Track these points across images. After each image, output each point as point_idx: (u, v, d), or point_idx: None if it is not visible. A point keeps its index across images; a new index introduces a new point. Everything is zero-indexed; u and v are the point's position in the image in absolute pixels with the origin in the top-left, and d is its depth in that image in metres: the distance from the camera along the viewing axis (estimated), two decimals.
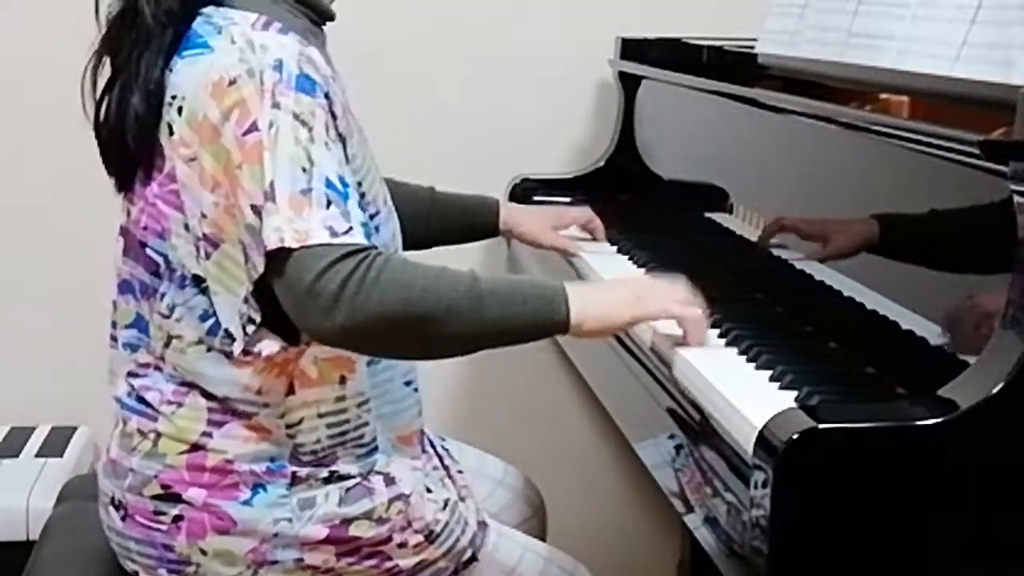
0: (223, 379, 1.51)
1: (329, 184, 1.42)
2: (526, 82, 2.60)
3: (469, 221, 2.03)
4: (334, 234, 1.40)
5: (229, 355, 1.50)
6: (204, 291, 1.49)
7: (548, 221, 2.10)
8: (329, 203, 1.41)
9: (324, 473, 1.54)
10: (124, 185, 1.54)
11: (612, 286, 1.63)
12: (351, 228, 1.41)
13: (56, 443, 2.44)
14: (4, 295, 2.55)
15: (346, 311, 1.38)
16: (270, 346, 1.48)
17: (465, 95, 2.59)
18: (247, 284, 1.45)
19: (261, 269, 1.43)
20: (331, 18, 1.63)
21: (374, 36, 2.43)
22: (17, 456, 2.40)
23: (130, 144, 1.49)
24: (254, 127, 1.42)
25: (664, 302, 1.54)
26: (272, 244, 1.39)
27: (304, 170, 1.41)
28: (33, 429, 2.50)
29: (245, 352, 1.48)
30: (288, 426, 1.53)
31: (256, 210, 1.41)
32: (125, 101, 1.49)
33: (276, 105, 1.42)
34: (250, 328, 1.47)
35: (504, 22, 2.59)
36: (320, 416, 1.53)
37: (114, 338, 1.60)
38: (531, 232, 2.06)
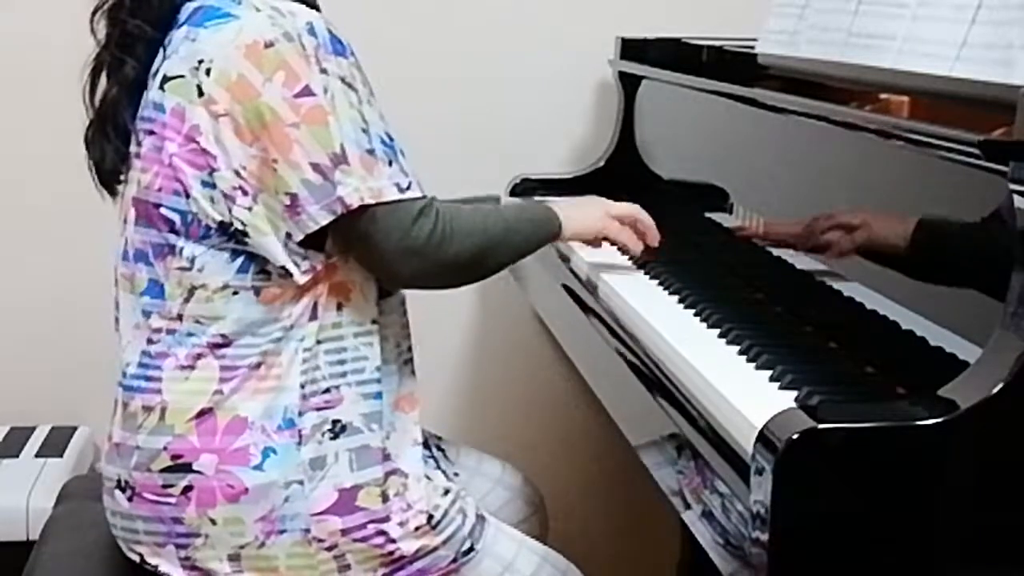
0: (251, 317, 1.55)
1: (383, 142, 1.54)
2: (526, 82, 2.60)
3: None
4: (401, 190, 1.54)
5: (258, 291, 1.55)
6: (231, 236, 1.54)
7: None
8: (390, 161, 1.54)
9: (328, 424, 1.56)
10: (114, 180, 1.64)
11: (583, 204, 1.92)
12: (412, 182, 1.55)
13: (56, 443, 2.45)
14: (4, 295, 2.55)
15: (432, 259, 1.57)
16: (316, 257, 1.56)
17: (465, 95, 2.59)
18: (284, 230, 1.53)
19: (321, 222, 1.52)
20: (316, 8, 1.66)
21: (374, 36, 2.43)
22: (17, 456, 2.40)
23: (117, 134, 1.60)
24: (307, 91, 1.50)
25: (622, 223, 1.85)
26: (354, 203, 1.51)
27: (364, 131, 1.52)
28: (33, 429, 2.51)
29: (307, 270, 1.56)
30: (306, 350, 1.56)
31: (319, 168, 1.50)
32: (115, 101, 1.60)
33: (324, 71, 1.50)
34: (304, 263, 1.55)
35: (504, 22, 2.59)
36: (319, 343, 1.57)
37: (118, 319, 1.63)
38: None
